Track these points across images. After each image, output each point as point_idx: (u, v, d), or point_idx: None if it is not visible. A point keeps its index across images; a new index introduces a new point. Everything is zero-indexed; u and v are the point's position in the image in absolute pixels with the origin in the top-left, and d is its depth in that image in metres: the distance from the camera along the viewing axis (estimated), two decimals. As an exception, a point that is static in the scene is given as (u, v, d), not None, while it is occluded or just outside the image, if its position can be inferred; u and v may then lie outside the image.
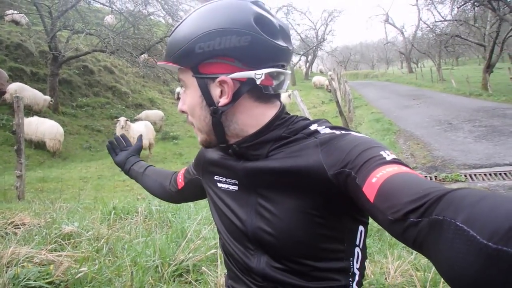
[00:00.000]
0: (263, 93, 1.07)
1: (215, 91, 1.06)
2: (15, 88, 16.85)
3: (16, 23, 24.73)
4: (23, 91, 16.92)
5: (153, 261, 3.27)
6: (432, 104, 17.96)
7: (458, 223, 0.58)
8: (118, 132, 14.66)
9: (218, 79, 1.05)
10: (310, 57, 52.56)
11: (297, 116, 1.14)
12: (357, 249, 1.09)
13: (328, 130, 1.05)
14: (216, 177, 1.23)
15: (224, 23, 1.01)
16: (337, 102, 12.94)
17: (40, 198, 7.10)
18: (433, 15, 35.77)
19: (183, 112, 1.17)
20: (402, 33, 49.93)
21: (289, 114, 1.15)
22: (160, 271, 3.20)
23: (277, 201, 1.06)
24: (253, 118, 1.09)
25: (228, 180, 1.18)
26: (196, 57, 1.04)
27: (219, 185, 1.21)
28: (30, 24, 24.89)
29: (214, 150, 1.26)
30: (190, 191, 1.51)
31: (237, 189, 1.16)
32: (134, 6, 20.87)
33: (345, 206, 0.99)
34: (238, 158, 1.14)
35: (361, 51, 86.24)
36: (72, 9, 19.47)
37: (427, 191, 0.69)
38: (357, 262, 1.10)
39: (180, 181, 1.52)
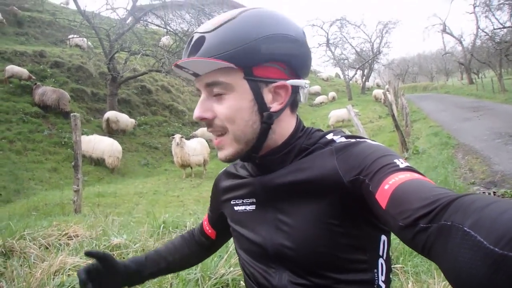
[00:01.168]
0: (296, 103, 1.11)
1: (267, 95, 1.05)
2: (114, 115, 19.26)
3: (79, 47, 26.07)
4: (118, 117, 19.38)
5: (195, 274, 3.28)
6: (493, 116, 17.12)
7: (465, 228, 0.58)
8: (174, 149, 14.95)
9: (275, 84, 1.04)
10: (366, 71, 51.55)
11: (312, 127, 1.16)
12: (380, 260, 1.06)
13: (343, 139, 1.06)
14: (232, 202, 1.23)
15: (288, 30, 1.03)
16: (393, 116, 12.68)
17: (95, 212, 7.33)
18: (492, 23, 34.38)
19: (202, 119, 1.06)
20: (461, 42, 47.75)
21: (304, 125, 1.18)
22: (200, 284, 3.20)
23: (296, 214, 1.05)
24: (286, 127, 1.10)
25: (244, 201, 1.17)
26: (255, 58, 1.01)
27: (236, 208, 1.21)
28: (92, 47, 26.10)
29: (225, 178, 1.30)
30: (225, 231, 1.37)
31: (254, 208, 1.14)
32: (188, 27, 21.44)
33: (363, 213, 0.97)
34: (258, 172, 1.14)
35: (419, 62, 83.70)
36: (129, 31, 20.27)
37: (437, 197, 0.70)
38: (382, 274, 1.07)
39: (210, 231, 1.47)
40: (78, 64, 22.79)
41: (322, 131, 1.14)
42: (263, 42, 0.99)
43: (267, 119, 1.05)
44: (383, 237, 1.06)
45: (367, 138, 1.05)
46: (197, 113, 1.06)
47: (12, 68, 18.65)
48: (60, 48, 24.44)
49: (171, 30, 21.21)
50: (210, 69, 1.01)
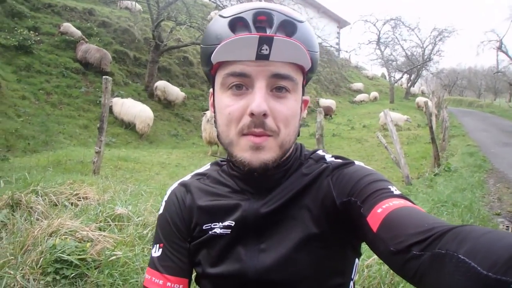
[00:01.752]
0: None
1: None
2: (163, 85, 19.86)
3: (129, 10, 26.31)
4: (168, 88, 20.08)
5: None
6: (535, 147, 16.46)
7: (460, 256, 0.58)
8: (204, 125, 14.96)
9: (304, 97, 1.06)
10: (413, 76, 50.27)
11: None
12: (351, 283, 1.06)
13: (333, 159, 1.07)
14: (205, 226, 1.06)
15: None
16: (431, 127, 12.33)
17: (113, 176, 7.39)
18: (552, 48, 33.53)
19: (265, 115, 0.91)
20: (515, 63, 46.17)
21: None
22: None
23: (283, 237, 0.99)
24: None
25: (220, 224, 1.04)
26: (312, 68, 1.02)
27: (211, 232, 1.05)
28: (141, 11, 26.29)
29: (201, 195, 1.10)
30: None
31: (229, 232, 1.03)
32: (238, 3, 21.25)
33: (349, 236, 0.98)
34: (250, 188, 1.05)
35: (469, 77, 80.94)
36: (179, 1, 20.28)
37: (432, 225, 0.70)
38: None
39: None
40: (125, 27, 23.03)
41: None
42: (318, 56, 1.03)
43: (299, 129, 1.03)
44: (357, 261, 1.07)
45: (353, 160, 1.05)
46: (263, 106, 0.90)
47: (68, 27, 19.09)
48: (110, 9, 24.74)
49: (221, 5, 21.09)
50: (293, 59, 0.93)
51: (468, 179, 9.68)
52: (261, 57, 0.89)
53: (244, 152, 0.95)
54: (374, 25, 46.51)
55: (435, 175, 10.67)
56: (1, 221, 3.55)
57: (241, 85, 0.93)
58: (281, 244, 0.98)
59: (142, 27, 23.25)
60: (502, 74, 53.76)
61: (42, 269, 2.73)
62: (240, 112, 0.93)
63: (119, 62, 20.67)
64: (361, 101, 40.24)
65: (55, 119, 13.98)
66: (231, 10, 0.94)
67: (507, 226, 6.21)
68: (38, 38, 17.53)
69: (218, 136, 1.02)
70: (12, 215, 3.65)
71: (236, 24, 0.93)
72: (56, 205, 4.26)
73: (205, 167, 1.23)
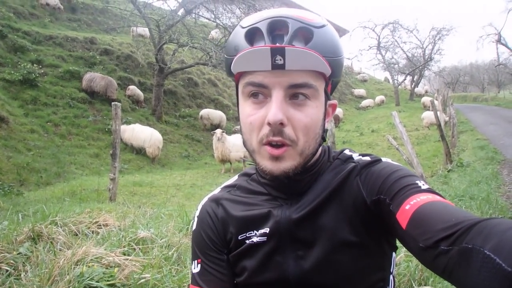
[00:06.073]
0: None
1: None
2: (206, 113, 21.87)
3: (142, 36, 26.59)
4: (211, 114, 22.11)
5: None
6: (543, 135, 16.31)
7: (486, 251, 0.59)
8: (215, 144, 14.95)
9: (332, 102, 1.05)
10: (416, 77, 50.09)
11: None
12: (391, 277, 1.07)
13: (361, 157, 1.07)
14: (240, 236, 1.07)
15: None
16: (439, 125, 12.27)
17: (130, 201, 7.36)
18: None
19: (282, 124, 0.91)
20: (515, 54, 45.69)
21: None
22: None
23: (319, 241, 1.00)
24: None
25: (256, 232, 1.05)
26: (336, 73, 0.99)
27: (248, 242, 1.06)
28: (148, 35, 26.61)
29: (233, 207, 1.11)
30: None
31: (265, 239, 1.04)
32: (237, 21, 21.43)
33: (383, 232, 0.98)
34: (282, 194, 1.06)
35: (471, 72, 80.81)
36: (179, 23, 20.46)
37: (459, 220, 0.70)
38: None
39: None
40: (127, 53, 23.34)
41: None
42: (343, 60, 1.01)
43: (324, 135, 1.03)
44: (393, 254, 1.09)
45: (381, 157, 1.06)
46: (279, 115, 0.90)
47: (134, 89, 20.57)
48: (111, 36, 25.02)
49: (221, 24, 21.26)
50: (309, 67, 0.91)
51: (482, 172, 9.57)
52: (277, 66, 0.88)
53: (265, 161, 0.96)
54: (373, 30, 46.67)
55: (448, 171, 10.60)
56: (24, 255, 3.51)
57: (258, 93, 0.94)
58: (318, 249, 0.99)
59: (145, 51, 23.47)
60: (504, 66, 53.57)
61: (71, 299, 2.68)
62: (260, 122, 0.94)
63: (125, 88, 20.82)
64: (367, 107, 40.18)
65: (66, 150, 14.04)
66: (249, 20, 0.96)
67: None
68: (42, 71, 17.73)
69: (243, 143, 1.03)
70: (35, 247, 3.62)
71: (253, 34, 0.94)
72: (77, 234, 4.22)
73: (234, 179, 1.23)
